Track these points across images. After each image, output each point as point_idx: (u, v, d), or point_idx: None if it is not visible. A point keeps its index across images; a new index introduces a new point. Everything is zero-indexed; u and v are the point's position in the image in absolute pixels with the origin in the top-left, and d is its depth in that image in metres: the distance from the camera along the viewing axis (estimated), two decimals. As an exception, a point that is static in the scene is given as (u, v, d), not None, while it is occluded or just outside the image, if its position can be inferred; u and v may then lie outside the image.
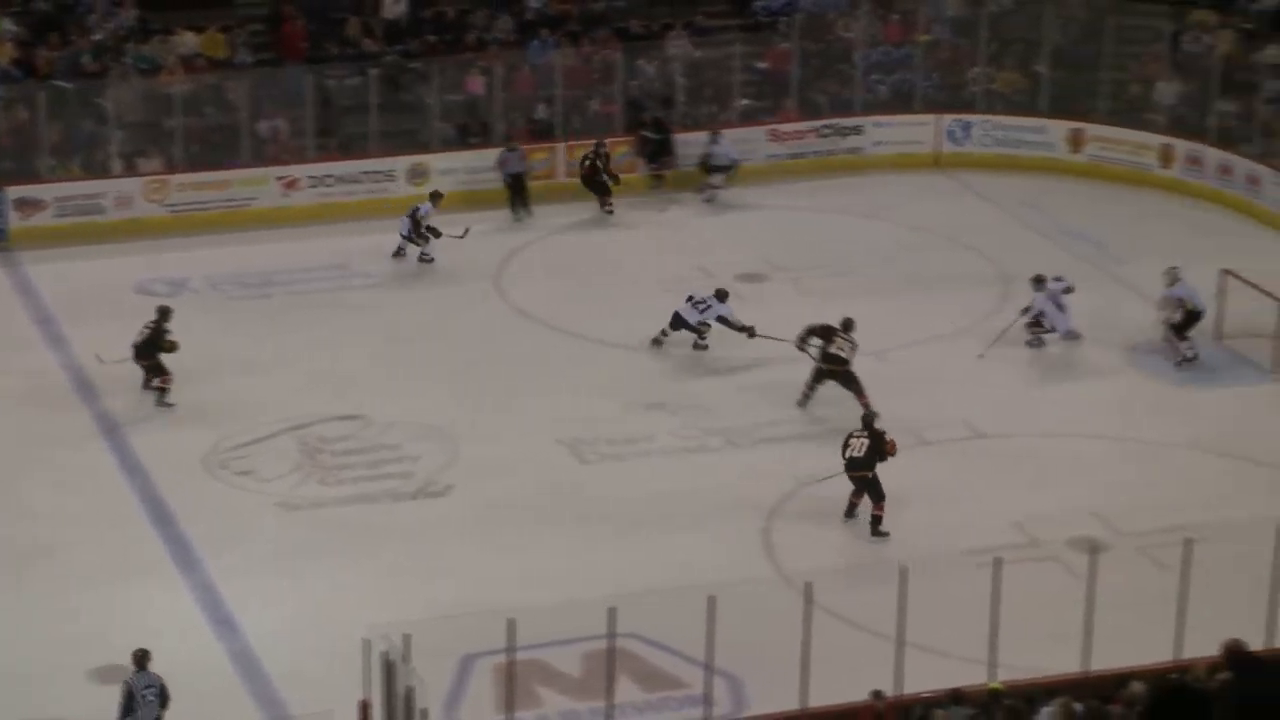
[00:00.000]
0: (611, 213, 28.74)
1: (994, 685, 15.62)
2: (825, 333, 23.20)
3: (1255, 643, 16.37)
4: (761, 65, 31.68)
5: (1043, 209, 28.97)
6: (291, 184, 29.02)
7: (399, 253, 27.31)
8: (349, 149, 29.82)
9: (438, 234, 26.99)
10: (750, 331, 24.21)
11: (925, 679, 16.15)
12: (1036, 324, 24.38)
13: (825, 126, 31.10)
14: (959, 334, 24.74)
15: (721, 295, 24.55)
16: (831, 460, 21.56)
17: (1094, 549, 17.03)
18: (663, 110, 30.62)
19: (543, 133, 30.14)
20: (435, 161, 29.58)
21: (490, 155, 29.57)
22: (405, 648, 14.90)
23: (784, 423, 22.77)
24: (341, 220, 28.49)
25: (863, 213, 28.83)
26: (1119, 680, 15.10)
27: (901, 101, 31.57)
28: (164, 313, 23.24)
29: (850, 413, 21.93)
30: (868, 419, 20.99)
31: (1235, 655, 12.25)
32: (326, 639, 17.67)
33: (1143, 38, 31.45)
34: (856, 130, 31.14)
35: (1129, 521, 20.34)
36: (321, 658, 17.54)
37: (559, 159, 30.04)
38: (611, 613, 15.21)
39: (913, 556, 16.43)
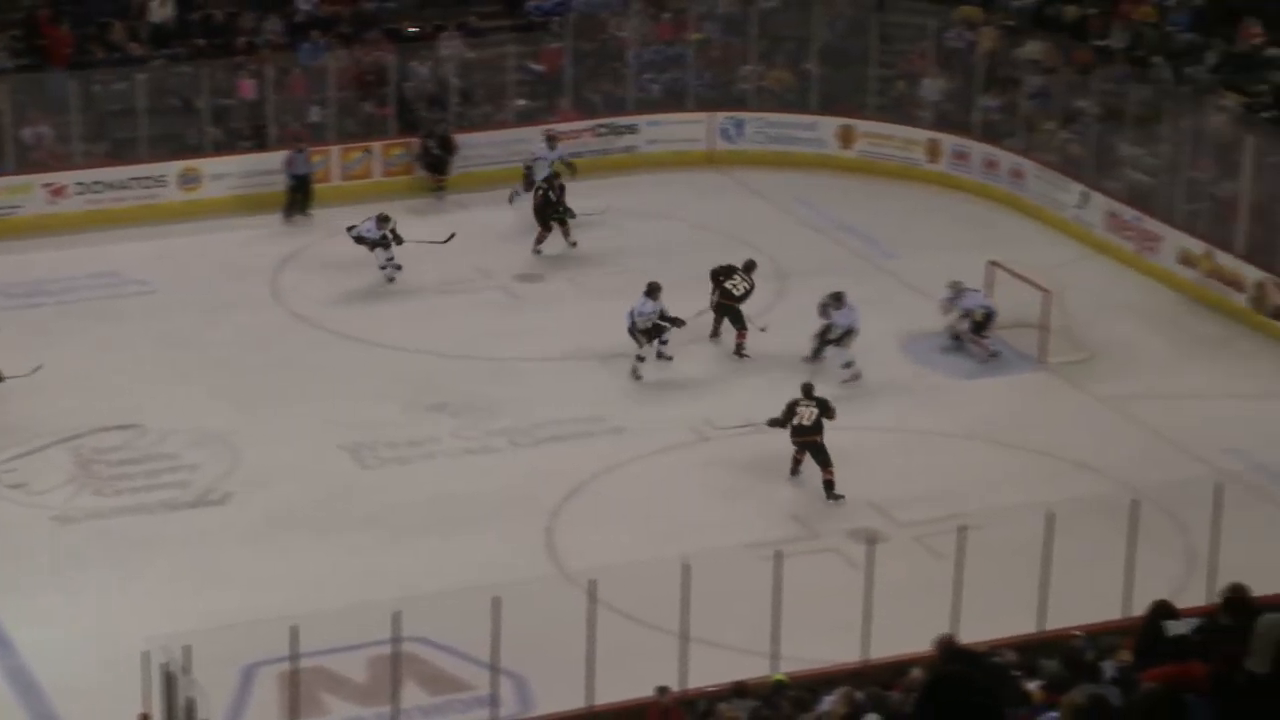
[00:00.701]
0: (575, 245, 27.59)
1: (777, 677, 15.78)
2: (726, 272, 24.57)
3: (1028, 626, 16.85)
4: (536, 66, 31.68)
5: (816, 204, 29.33)
6: (59, 191, 28.44)
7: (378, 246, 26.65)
8: (118, 155, 29.31)
9: (400, 240, 26.45)
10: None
11: (709, 673, 16.28)
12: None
13: (600, 126, 31.21)
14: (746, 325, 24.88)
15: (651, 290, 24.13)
16: (613, 457, 21.72)
17: (872, 540, 17.31)
18: (440, 112, 30.43)
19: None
20: (207, 166, 29.19)
21: (266, 159, 29.24)
22: (185, 659, 14.73)
23: (566, 421, 22.81)
24: (112, 227, 27.99)
25: (640, 211, 28.95)
26: (899, 668, 15.33)
27: (675, 100, 31.75)
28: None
29: (618, 405, 22.01)
30: (808, 387, 21.51)
31: (948, 649, 12.50)
32: (105, 652, 17.38)
33: (908, 35, 31.94)
34: (631, 129, 31.28)
35: (906, 511, 20.66)
36: (100, 671, 17.23)
37: (334, 162, 29.76)
38: (396, 617, 15.13)
39: (694, 552, 16.49)
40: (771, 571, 16.30)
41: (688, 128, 31.39)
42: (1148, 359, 24.63)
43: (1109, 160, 28.76)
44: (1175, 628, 13.58)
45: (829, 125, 31.31)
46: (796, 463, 21.35)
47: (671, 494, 21.20)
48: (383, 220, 26.51)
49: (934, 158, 30.79)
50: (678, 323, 23.88)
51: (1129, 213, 27.75)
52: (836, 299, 24.06)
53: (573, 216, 27.63)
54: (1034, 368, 24.44)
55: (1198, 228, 27.00)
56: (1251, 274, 25.88)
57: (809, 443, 21.20)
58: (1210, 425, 22.81)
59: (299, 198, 28.85)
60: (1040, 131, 29.98)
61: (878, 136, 31.17)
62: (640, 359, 23.73)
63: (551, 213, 27.64)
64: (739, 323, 24.49)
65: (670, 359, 24.01)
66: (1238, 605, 14.07)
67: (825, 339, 23.99)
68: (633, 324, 23.80)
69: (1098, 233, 28.15)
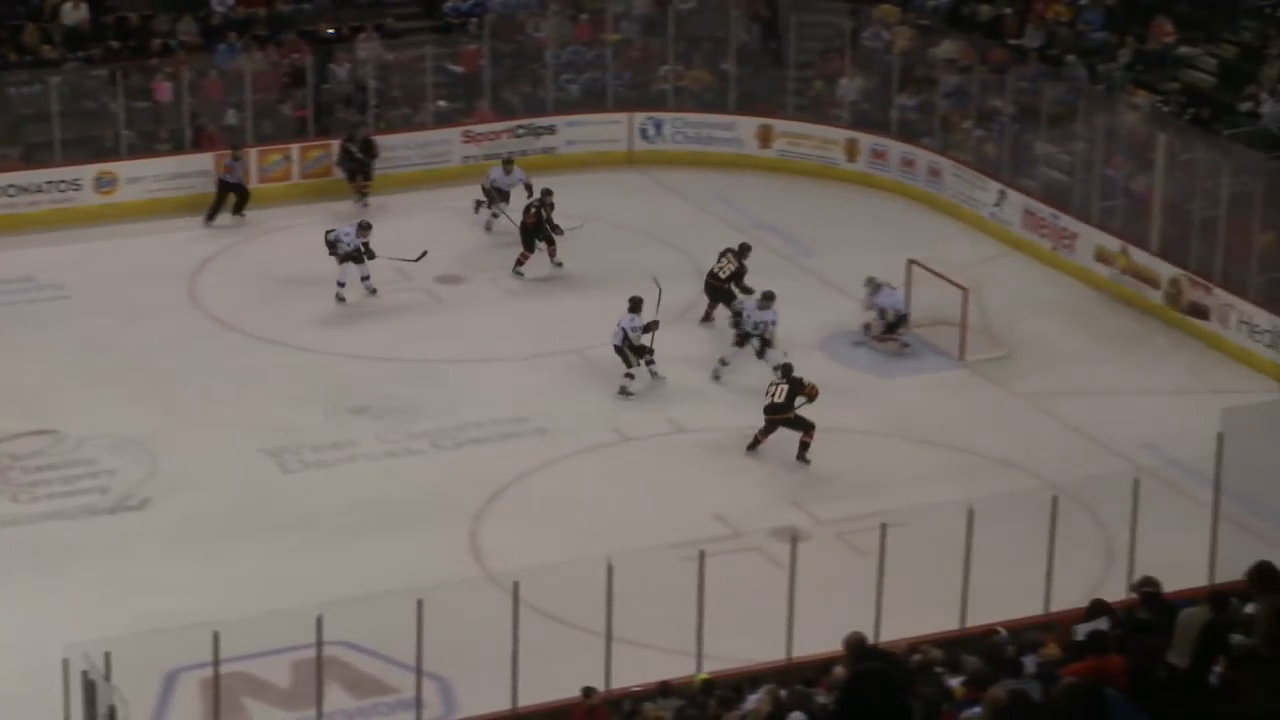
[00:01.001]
0: (560, 265, 26.90)
1: (702, 676, 15.81)
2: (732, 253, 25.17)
3: (950, 623, 16.95)
4: (454, 67, 31.61)
5: (735, 203, 29.39)
6: (-29, 195, 28.23)
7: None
8: (32, 158, 29.02)
9: (372, 255, 25.81)
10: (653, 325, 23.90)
11: (634, 673, 16.29)
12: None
13: (519, 127, 31.16)
14: (665, 328, 24.83)
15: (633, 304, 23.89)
16: (537, 458, 21.73)
17: (795, 538, 17.33)
18: (359, 115, 30.28)
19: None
20: (123, 169, 28.95)
21: (183, 161, 29.02)
22: (106, 666, 14.60)
23: (489, 423, 22.75)
24: (27, 231, 27.71)
25: (559, 212, 28.89)
26: (823, 665, 15.38)
27: (594, 100, 31.75)
28: None
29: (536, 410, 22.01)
30: (786, 368, 22.14)
31: (856, 648, 12.57)
32: (25, 660, 17.19)
33: (824, 35, 32.07)
34: (550, 130, 31.25)
35: (828, 509, 20.75)
36: (20, 680, 17.04)
37: (252, 165, 29.58)
38: (319, 621, 15.07)
39: (618, 552, 16.51)
40: (695, 571, 16.29)
41: (607, 128, 31.40)
42: (1065, 356, 24.81)
43: (1025, 159, 28.95)
44: (1085, 629, 13.74)
45: (748, 125, 31.39)
46: (757, 440, 21.93)
47: (595, 494, 21.20)
48: (364, 228, 25.89)
49: (852, 157, 30.90)
50: (653, 326, 23.67)
51: (1045, 210, 27.95)
52: (767, 298, 24.11)
53: (560, 234, 27.05)
54: (953, 365, 24.56)
55: (1113, 225, 27.22)
56: (1166, 270, 26.11)
57: (779, 420, 21.78)
58: (1127, 421, 23.02)
59: (235, 200, 28.60)
60: (957, 130, 30.17)
61: (796, 136, 31.26)
62: (630, 376, 23.54)
63: (540, 233, 26.85)
64: (727, 302, 24.82)
65: (664, 379, 23.75)
66: (1155, 600, 14.25)
67: (745, 333, 23.99)
68: (625, 340, 23.57)
69: (1015, 230, 28.34)
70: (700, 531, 19.39)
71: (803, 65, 31.82)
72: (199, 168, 29.16)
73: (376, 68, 30.86)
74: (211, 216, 28.61)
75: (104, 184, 28.79)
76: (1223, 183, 25.72)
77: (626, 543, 18.57)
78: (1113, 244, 26.94)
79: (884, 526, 16.92)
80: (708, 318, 25.30)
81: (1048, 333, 25.51)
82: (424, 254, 26.27)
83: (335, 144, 29.68)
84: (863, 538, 18.54)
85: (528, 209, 27.18)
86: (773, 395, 21.96)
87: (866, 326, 24.98)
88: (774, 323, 23.97)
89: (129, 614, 18.04)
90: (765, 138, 31.40)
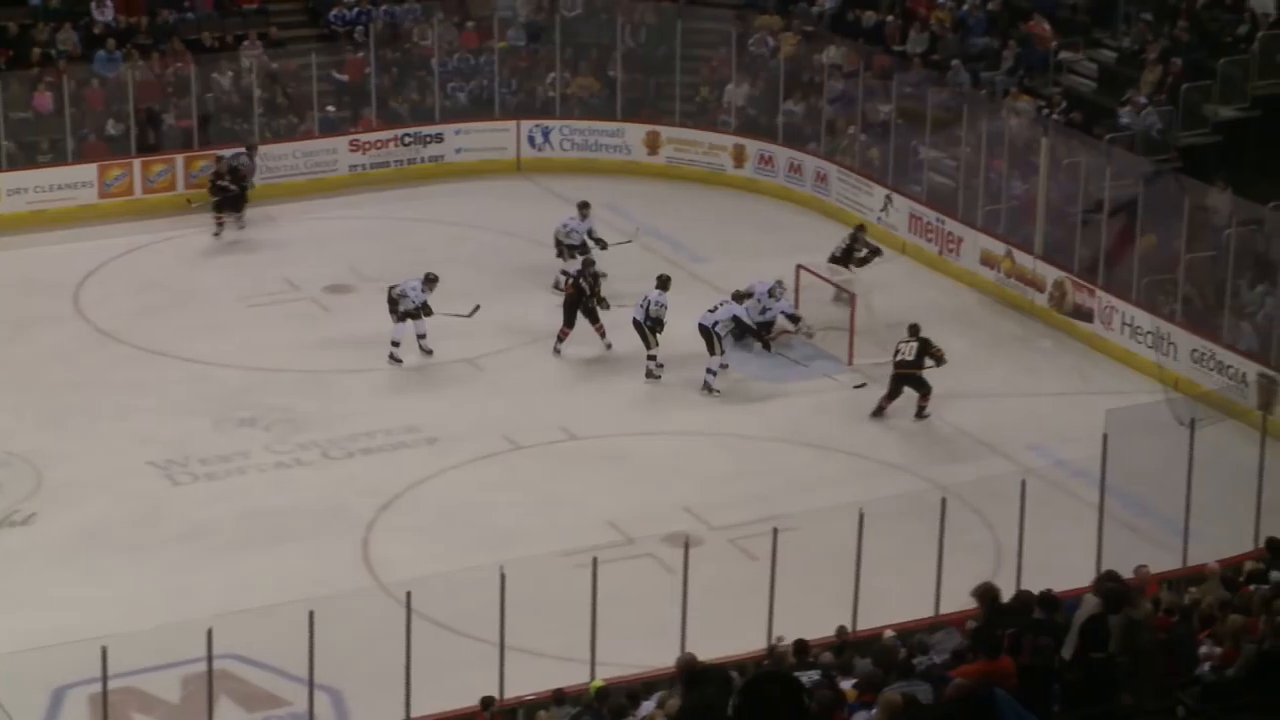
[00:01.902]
0: (610, 347, 24.69)
1: (596, 684, 15.80)
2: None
3: (844, 624, 17.02)
4: (340, 76, 31.44)
5: (624, 211, 29.39)
6: None
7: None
8: (-91, 171, 28.74)
9: (429, 311, 24.23)
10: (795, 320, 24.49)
11: (528, 681, 16.26)
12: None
13: (406, 135, 31.04)
14: (550, 337, 24.89)
15: (738, 296, 24.17)
16: (427, 467, 21.64)
17: (687, 543, 17.35)
18: (238, 139, 29.75)
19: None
20: (4, 180, 28.60)
21: (64, 173, 28.67)
22: (-7, 684, 14.41)
23: (379, 433, 22.66)
24: (-97, 245, 27.42)
25: (449, 220, 28.87)
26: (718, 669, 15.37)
27: (481, 108, 31.67)
28: None
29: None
30: (914, 327, 23.25)
31: (688, 670, 12.72)
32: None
33: (710, 41, 32.19)
34: (438, 138, 31.15)
35: (720, 515, 20.77)
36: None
37: (135, 175, 29.30)
38: (208, 634, 14.93)
39: (510, 560, 16.48)
40: (588, 578, 16.27)
41: (494, 136, 31.37)
42: (953, 359, 24.84)
43: (910, 164, 29.16)
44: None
45: (635, 132, 31.46)
46: (881, 407, 23.10)
47: (487, 503, 21.16)
48: (430, 282, 24.21)
49: (740, 163, 31.04)
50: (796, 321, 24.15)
51: (931, 215, 28.17)
52: (662, 281, 24.33)
53: (606, 308, 24.64)
54: (842, 370, 24.68)
55: (998, 229, 27.48)
56: (1050, 274, 26.39)
57: (906, 375, 22.97)
58: (1014, 422, 23.23)
59: (238, 200, 28.43)
60: (843, 136, 30.33)
61: (683, 142, 31.38)
62: (653, 358, 23.83)
63: (583, 307, 24.65)
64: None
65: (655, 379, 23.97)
66: (1049, 599, 14.42)
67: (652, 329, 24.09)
68: (645, 315, 23.70)
69: (901, 235, 28.54)
70: (593, 539, 19.45)
71: (688, 71, 31.87)
72: (81, 179, 28.85)
73: (260, 77, 30.65)
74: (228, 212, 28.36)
75: (-17, 196, 28.45)
76: (1104, 186, 25.99)
77: (519, 551, 18.64)
78: (998, 248, 27.20)
79: (775, 531, 16.97)
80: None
81: (934, 336, 25.56)
82: (477, 308, 24.42)
83: (219, 154, 29.32)
84: (754, 543, 18.63)
85: (567, 280, 25.21)
86: (903, 353, 23.02)
87: (740, 324, 24.74)
88: (733, 318, 24.05)
89: (15, 630, 17.80)
90: (653, 144, 31.47)
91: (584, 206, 26.87)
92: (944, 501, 17.78)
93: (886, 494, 20.30)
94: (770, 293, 24.75)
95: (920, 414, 23.16)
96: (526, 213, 29.52)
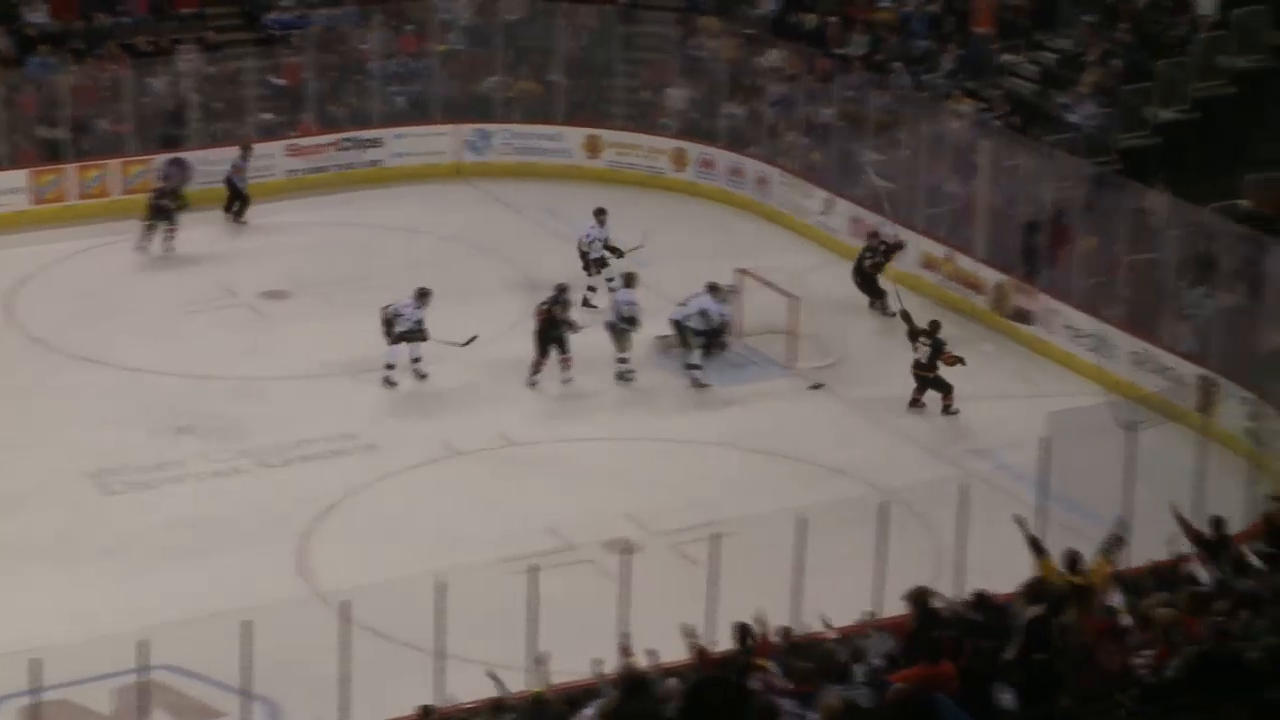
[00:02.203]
0: (569, 382, 23.88)
1: (536, 690, 15.71)
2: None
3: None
4: (277, 80, 31.28)
5: (565, 215, 29.24)
6: None
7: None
8: None
9: (425, 336, 23.66)
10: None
11: (467, 689, 16.13)
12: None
13: (345, 140, 30.90)
14: (492, 342, 24.77)
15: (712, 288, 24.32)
16: (365, 475, 21.46)
17: (626, 550, 17.27)
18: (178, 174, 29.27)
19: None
20: (-65, 189, 28.50)
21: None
22: (-78, 698, 14.24)
23: (317, 440, 22.54)
24: None
25: (388, 225, 28.76)
26: (658, 677, 15.32)
27: (420, 112, 31.58)
28: None
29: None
30: (934, 325, 23.68)
31: (628, 678, 12.75)
32: None
33: (651, 44, 32.15)
34: (376, 143, 31.01)
35: (660, 520, 20.70)
36: None
37: (69, 181, 29.06)
38: (142, 645, 14.78)
39: (449, 568, 16.39)
40: (526, 585, 16.18)
41: (434, 140, 31.25)
42: (894, 363, 24.96)
43: (851, 166, 29.19)
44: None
45: (575, 135, 31.42)
46: (915, 399, 23.59)
47: (425, 510, 21.07)
48: (423, 296, 23.65)
49: (680, 166, 31.04)
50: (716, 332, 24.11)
51: (872, 218, 28.18)
52: (628, 279, 24.42)
53: (577, 330, 23.93)
54: (782, 374, 24.70)
55: (939, 232, 27.52)
56: (991, 276, 26.44)
57: (921, 377, 23.48)
58: (955, 427, 23.32)
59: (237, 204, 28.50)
60: (784, 139, 30.33)
61: (624, 146, 31.34)
62: (694, 365, 24.05)
63: (555, 335, 23.82)
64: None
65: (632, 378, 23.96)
66: (986, 602, 14.45)
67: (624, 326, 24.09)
68: (618, 317, 23.76)
69: (842, 238, 28.55)
70: (532, 545, 19.30)
71: (629, 74, 31.83)
72: (13, 185, 28.63)
73: (197, 81, 30.42)
74: (240, 215, 28.43)
75: (-87, 204, 28.18)
76: (1045, 189, 26.02)
77: (458, 558, 18.53)
78: (938, 250, 27.22)
79: (716, 537, 16.88)
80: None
81: (876, 340, 25.73)
82: (474, 338, 23.92)
83: (156, 159, 29.09)
84: (695, 548, 18.53)
85: (543, 306, 24.04)
86: (919, 354, 23.52)
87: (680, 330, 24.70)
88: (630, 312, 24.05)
89: (-54, 643, 17.63)
90: (593, 148, 31.42)
91: (600, 213, 26.46)
92: (885, 507, 17.70)
93: (827, 499, 20.26)
94: (715, 297, 24.63)
95: (946, 410, 23.54)
96: (466, 217, 29.48)
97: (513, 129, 31.54)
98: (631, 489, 21.58)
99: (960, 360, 23.46)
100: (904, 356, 24.79)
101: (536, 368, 23.98)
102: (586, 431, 22.99)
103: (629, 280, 24.48)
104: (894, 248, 26.65)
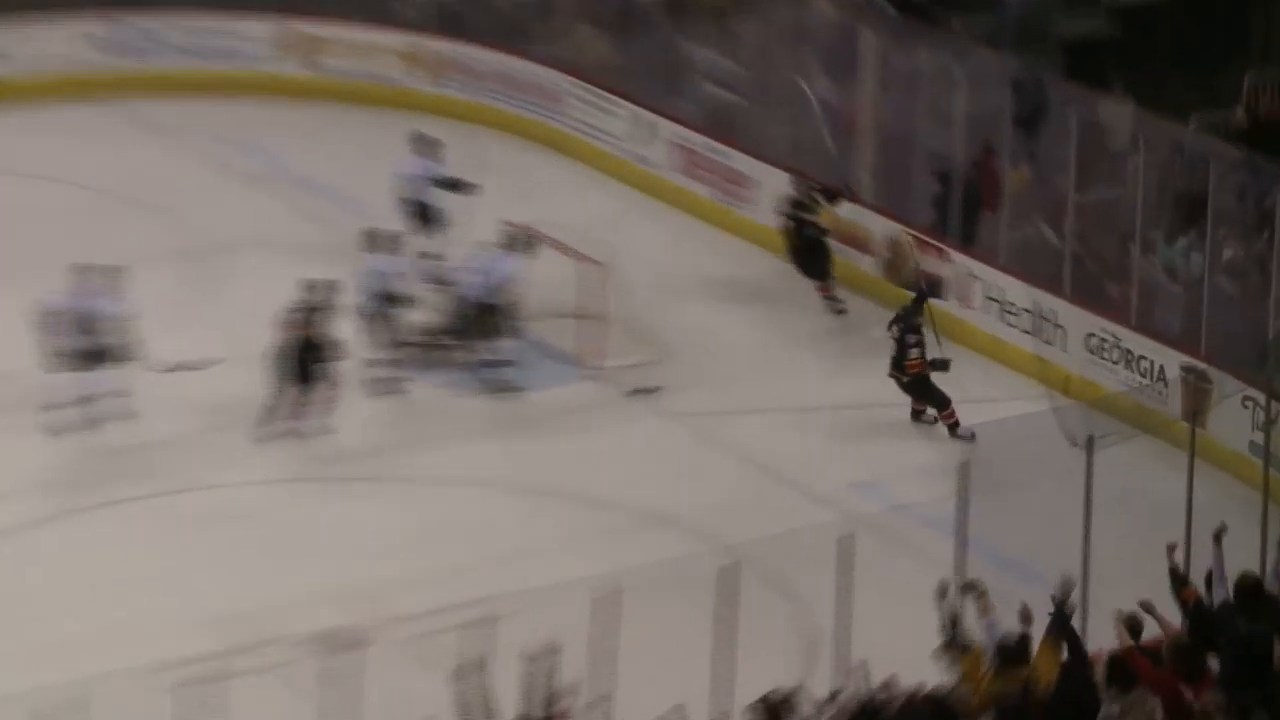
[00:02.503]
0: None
1: None
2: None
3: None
4: None
5: (254, 148, 29.32)
6: None
7: None
8: None
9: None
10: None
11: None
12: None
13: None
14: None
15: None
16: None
17: (343, 645, 16.80)
18: None
19: None
20: None
21: None
22: None
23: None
24: None
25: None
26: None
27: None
28: None
29: None
30: (920, 293, 24.66)
31: None
32: None
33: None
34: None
35: (397, 599, 20.26)
36: None
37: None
38: None
39: (67, 683, 16.24)
40: (186, 709, 15.82)
41: (52, 40, 31.32)
42: (740, 358, 25.17)
43: (676, 69, 29.47)
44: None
45: (270, 30, 31.68)
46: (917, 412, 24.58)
47: (38, 597, 20.82)
48: None
49: (416, 71, 31.18)
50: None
51: (706, 144, 28.20)
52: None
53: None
54: (575, 376, 24.89)
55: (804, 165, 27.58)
56: (880, 228, 26.36)
57: (897, 379, 24.33)
58: (830, 450, 23.49)
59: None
60: (575, 32, 30.28)
61: (339, 45, 31.64)
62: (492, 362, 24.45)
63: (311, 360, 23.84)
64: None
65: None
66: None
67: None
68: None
69: (663, 174, 28.90)
70: (199, 644, 18.88)
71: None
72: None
73: None
74: None
75: None
76: (956, 100, 26.07)
77: (81, 668, 18.00)
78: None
79: (476, 623, 16.65)
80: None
81: (713, 325, 25.98)
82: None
83: None
84: (449, 639, 18.14)
85: (291, 315, 23.90)
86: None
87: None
88: None
89: None
90: (304, 49, 31.65)
91: (424, 142, 26.98)
92: (728, 569, 17.52)
93: (642, 561, 20.06)
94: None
95: (953, 433, 24.08)
96: (105, 154, 29.75)
97: (180, 21, 31.84)
98: (352, 554, 21.51)
99: (941, 365, 23.96)
100: (753, 350, 25.00)
101: (292, 403, 23.63)
102: (283, 472, 23.00)
103: (522, 243, 24.49)
104: (835, 194, 26.53)
